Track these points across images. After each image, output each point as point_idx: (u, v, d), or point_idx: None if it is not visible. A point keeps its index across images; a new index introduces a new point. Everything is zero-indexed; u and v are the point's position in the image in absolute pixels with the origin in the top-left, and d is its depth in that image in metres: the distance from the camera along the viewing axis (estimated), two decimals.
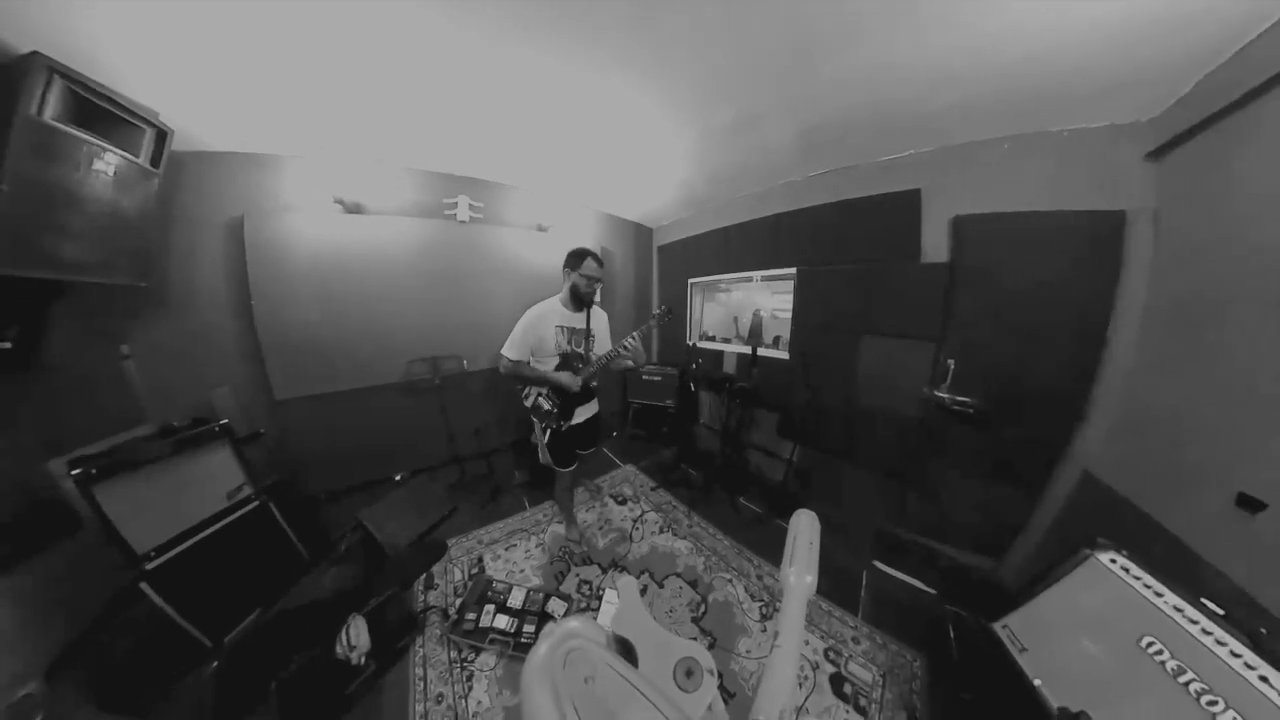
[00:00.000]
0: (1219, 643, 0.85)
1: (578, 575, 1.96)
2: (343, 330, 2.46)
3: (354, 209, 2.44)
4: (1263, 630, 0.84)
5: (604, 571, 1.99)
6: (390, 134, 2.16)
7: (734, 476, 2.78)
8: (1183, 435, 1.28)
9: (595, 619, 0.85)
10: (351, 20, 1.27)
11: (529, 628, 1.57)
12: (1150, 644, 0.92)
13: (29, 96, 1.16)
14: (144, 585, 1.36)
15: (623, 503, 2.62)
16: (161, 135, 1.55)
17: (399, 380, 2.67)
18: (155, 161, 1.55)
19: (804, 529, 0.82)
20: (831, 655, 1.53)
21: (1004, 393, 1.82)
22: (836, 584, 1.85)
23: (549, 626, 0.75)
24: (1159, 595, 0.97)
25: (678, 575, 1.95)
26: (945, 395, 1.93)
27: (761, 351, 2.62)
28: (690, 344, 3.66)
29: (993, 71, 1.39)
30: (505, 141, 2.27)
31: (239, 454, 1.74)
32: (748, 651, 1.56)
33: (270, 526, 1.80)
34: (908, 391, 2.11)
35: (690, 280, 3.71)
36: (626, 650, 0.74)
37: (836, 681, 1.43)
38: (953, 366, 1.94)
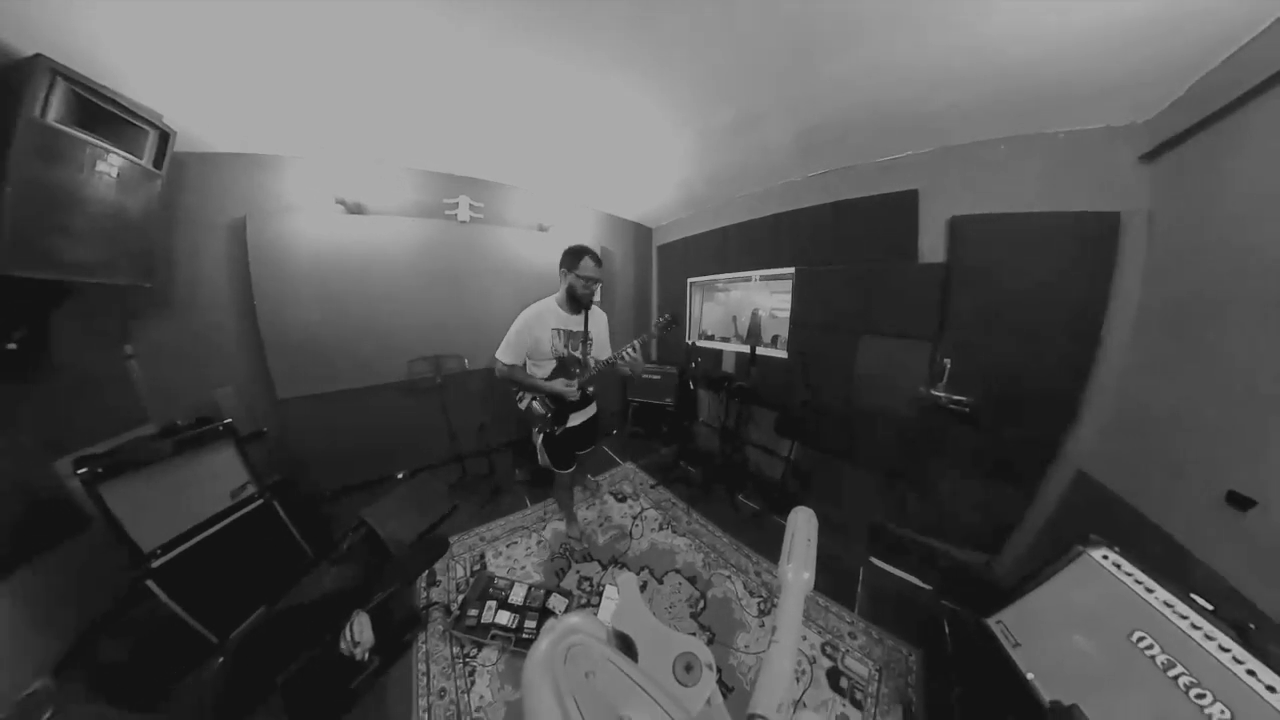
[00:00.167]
0: (1208, 637, 0.86)
1: (578, 572, 1.97)
2: (345, 330, 2.47)
3: (355, 209, 2.45)
4: (1251, 625, 0.85)
5: (604, 568, 2.01)
6: (391, 134, 2.16)
7: (733, 474, 2.79)
8: (1174, 434, 1.30)
9: (596, 615, 0.86)
10: (352, 21, 1.27)
11: (530, 623, 1.58)
12: (1141, 639, 0.94)
13: (32, 99, 1.17)
14: (151, 583, 1.38)
15: (622, 500, 2.63)
16: (164, 137, 1.56)
17: (400, 379, 2.68)
18: (158, 163, 1.55)
19: (802, 526, 0.83)
20: (829, 650, 1.55)
21: (1000, 392, 1.83)
22: (834, 580, 1.87)
23: (550, 622, 0.76)
24: (1150, 591, 0.99)
25: (677, 571, 1.97)
26: (942, 394, 1.94)
27: (760, 351, 2.64)
28: (689, 343, 3.66)
29: (992, 72, 1.40)
30: (505, 141, 2.27)
31: (242, 453, 1.75)
32: (746, 646, 1.57)
33: (274, 524, 1.82)
34: (904, 391, 2.13)
35: (689, 280, 3.71)
36: (627, 645, 0.75)
37: (833, 676, 1.45)
38: (949, 366, 1.95)
